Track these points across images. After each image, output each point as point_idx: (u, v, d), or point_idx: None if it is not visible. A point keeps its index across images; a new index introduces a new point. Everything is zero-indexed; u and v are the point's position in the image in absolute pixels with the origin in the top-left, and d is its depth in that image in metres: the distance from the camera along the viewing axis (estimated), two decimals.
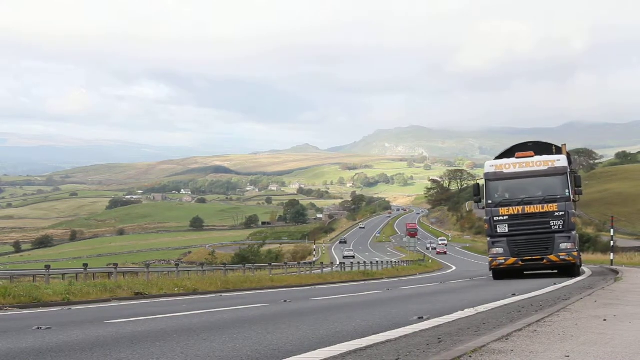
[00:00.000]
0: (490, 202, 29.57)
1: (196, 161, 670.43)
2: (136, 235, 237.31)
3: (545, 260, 29.15)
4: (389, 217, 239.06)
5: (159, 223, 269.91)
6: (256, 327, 9.69)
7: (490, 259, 29.91)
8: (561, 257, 28.87)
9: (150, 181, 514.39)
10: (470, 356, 5.81)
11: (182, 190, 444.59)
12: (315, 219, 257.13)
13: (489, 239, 30.12)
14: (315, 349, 6.78)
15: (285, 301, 17.39)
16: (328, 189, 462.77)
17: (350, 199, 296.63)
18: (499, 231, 29.39)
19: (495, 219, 29.42)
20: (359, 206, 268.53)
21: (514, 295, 16.00)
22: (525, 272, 33.65)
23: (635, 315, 9.96)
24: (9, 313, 16.50)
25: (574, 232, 29.34)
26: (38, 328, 10.38)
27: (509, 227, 29.25)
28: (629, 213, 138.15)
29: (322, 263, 78.92)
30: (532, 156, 29.99)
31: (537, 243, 29.20)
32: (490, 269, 30.21)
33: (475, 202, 30.48)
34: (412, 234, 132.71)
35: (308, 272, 59.04)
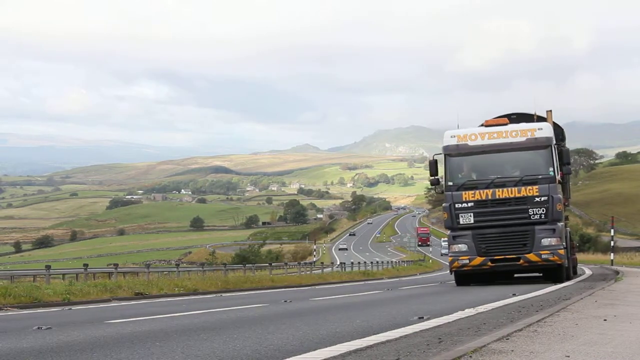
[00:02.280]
0: (450, 184, 23.08)
1: (196, 161, 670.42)
2: (136, 236, 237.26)
3: (521, 261, 22.59)
4: (396, 213, 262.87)
5: (159, 223, 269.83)
6: (256, 327, 9.69)
7: (451, 258, 23.30)
8: (543, 256, 22.34)
9: (150, 181, 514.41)
10: (470, 356, 5.80)
11: (182, 190, 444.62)
12: (315, 219, 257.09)
13: (449, 232, 23.44)
14: (315, 349, 6.78)
15: (285, 301, 17.39)
16: (328, 189, 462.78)
17: (350, 199, 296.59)
18: (461, 222, 22.85)
19: (456, 206, 22.88)
20: (359, 206, 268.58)
21: (514, 295, 16.00)
22: (514, 275, 27.62)
23: (636, 315, 9.96)
24: (9, 313, 16.50)
25: (560, 224, 22.76)
26: (38, 328, 10.38)
27: (474, 217, 22.75)
28: (629, 213, 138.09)
29: (322, 263, 78.91)
30: (506, 124, 23.42)
31: (511, 238, 22.64)
32: (451, 271, 23.71)
33: (432, 184, 23.71)
34: (424, 239, 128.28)
35: (308, 272, 59.03)
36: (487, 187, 22.79)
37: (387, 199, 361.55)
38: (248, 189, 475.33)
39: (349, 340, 7.40)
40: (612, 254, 55.74)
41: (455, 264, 23.11)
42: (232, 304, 16.96)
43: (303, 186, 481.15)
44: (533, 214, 22.41)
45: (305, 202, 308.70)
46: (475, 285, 24.33)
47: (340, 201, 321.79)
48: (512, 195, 22.61)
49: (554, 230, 22.50)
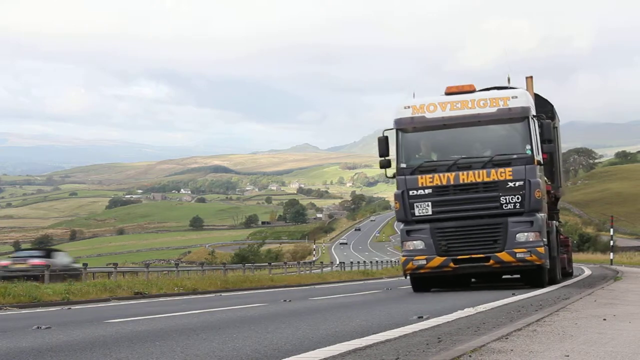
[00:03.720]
0: (403, 166, 18.88)
1: (196, 161, 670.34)
2: (136, 235, 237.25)
3: (491, 261, 18.38)
4: None
5: (158, 223, 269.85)
6: (256, 327, 9.69)
7: (404, 258, 18.96)
8: (518, 255, 18.20)
9: (149, 181, 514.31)
10: (470, 356, 5.81)
11: (182, 190, 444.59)
12: (315, 218, 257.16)
13: (402, 225, 19.19)
14: (314, 349, 6.78)
15: (284, 301, 17.39)
16: (328, 188, 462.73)
17: (350, 199, 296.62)
18: (417, 213, 18.65)
19: (411, 193, 18.69)
20: (359, 206, 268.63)
21: (513, 295, 16.01)
22: (474, 279, 23.91)
23: (635, 314, 9.96)
24: (9, 313, 16.50)
25: (540, 215, 18.61)
26: (38, 328, 10.38)
27: (433, 207, 18.58)
28: (628, 212, 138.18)
29: (321, 263, 78.93)
30: (473, 91, 19.16)
31: (478, 233, 18.54)
32: (405, 273, 19.34)
33: (382, 167, 18.98)
34: None
35: (308, 271, 59.03)
36: (448, 170, 18.56)
37: (386, 199, 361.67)
38: (247, 188, 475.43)
39: (349, 340, 7.41)
40: (611, 254, 55.77)
41: (410, 265, 18.76)
42: (231, 304, 16.96)
43: (302, 186, 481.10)
44: (506, 202, 18.31)
45: (304, 201, 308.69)
46: (438, 291, 20.67)
47: (339, 201, 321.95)
48: (479, 180, 18.40)
49: (531, 222, 18.25)
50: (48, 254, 36.01)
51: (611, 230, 57.28)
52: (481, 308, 11.51)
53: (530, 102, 19.09)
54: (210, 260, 78.96)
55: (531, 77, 22.93)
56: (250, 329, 9.45)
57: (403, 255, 19.14)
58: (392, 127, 19.11)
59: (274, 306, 15.30)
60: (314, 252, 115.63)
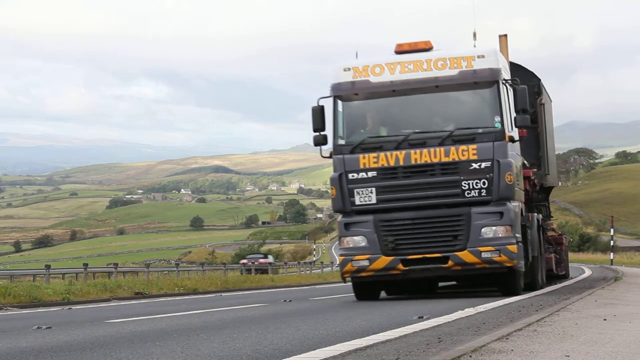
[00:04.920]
0: (341, 143, 15.48)
1: (196, 161, 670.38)
2: (136, 235, 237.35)
3: (450, 262, 14.96)
4: None
5: (159, 223, 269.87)
6: (256, 327, 9.70)
7: (342, 258, 15.52)
8: (483, 254, 14.81)
9: (150, 181, 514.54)
10: (470, 356, 5.81)
11: (182, 190, 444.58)
12: (315, 218, 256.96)
13: (339, 217, 15.67)
14: (315, 349, 6.79)
15: (285, 301, 17.39)
16: (328, 188, 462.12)
17: None
18: (358, 202, 15.20)
19: (350, 177, 15.24)
20: None
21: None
22: (442, 285, 21.12)
23: (636, 314, 9.97)
24: (9, 313, 16.52)
25: (513, 205, 15.24)
26: (38, 328, 10.39)
27: (378, 194, 15.14)
28: (629, 213, 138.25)
29: (322, 263, 78.97)
30: (429, 49, 15.68)
31: (434, 227, 15.11)
32: (344, 277, 15.86)
33: (316, 143, 15.56)
34: None
35: (308, 271, 59.04)
36: (397, 148, 15.09)
37: None
38: (248, 188, 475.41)
39: (349, 340, 7.41)
40: (611, 254, 55.78)
41: (348, 266, 15.24)
42: (231, 304, 16.98)
43: (303, 186, 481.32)
44: (468, 188, 14.88)
45: (305, 201, 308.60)
46: (387, 299, 17.41)
47: None
48: (435, 160, 15.00)
49: (500, 214, 14.87)
50: (265, 255, 67.65)
51: (611, 230, 57.33)
52: (481, 308, 11.52)
53: (501, 64, 15.56)
54: (211, 260, 79.03)
55: (505, 35, 19.60)
56: (250, 329, 9.46)
57: (340, 255, 15.56)
58: (328, 94, 15.64)
59: (274, 306, 15.32)
60: (314, 252, 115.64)
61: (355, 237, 15.32)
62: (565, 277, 25.29)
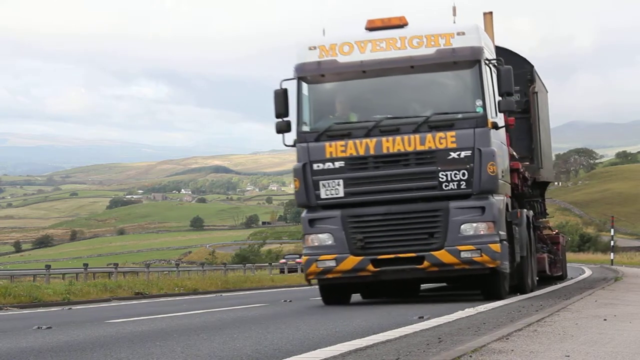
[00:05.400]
0: (305, 129, 14.10)
1: (196, 161, 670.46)
2: (136, 235, 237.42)
3: (426, 262, 13.49)
4: None
5: (159, 223, 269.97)
6: (256, 327, 9.70)
7: (306, 258, 14.05)
8: (463, 254, 13.39)
9: (150, 181, 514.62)
10: (470, 356, 5.81)
11: (182, 190, 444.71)
12: None
13: (303, 213, 14.17)
14: (315, 349, 6.79)
15: (285, 301, 17.40)
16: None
17: None
18: (324, 195, 13.76)
19: (315, 167, 13.83)
20: None
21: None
22: (424, 287, 19.82)
23: (636, 315, 9.97)
24: (9, 313, 16.53)
25: (497, 199, 13.81)
26: (38, 328, 10.39)
27: (346, 187, 13.70)
28: (629, 213, 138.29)
29: None
30: (404, 25, 14.24)
31: (408, 223, 13.66)
32: (308, 279, 14.45)
33: (279, 131, 14.18)
34: None
35: None
36: (367, 135, 13.71)
37: None
38: (248, 188, 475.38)
39: (349, 340, 7.41)
40: (612, 254, 55.78)
41: (313, 267, 13.80)
42: (232, 304, 16.98)
43: None
44: (446, 180, 13.46)
45: None
46: (360, 303, 15.68)
47: None
48: (410, 149, 13.55)
49: (482, 209, 13.47)
50: (300, 255, 64.04)
51: (612, 230, 57.37)
52: (481, 308, 11.53)
53: (483, 42, 14.05)
54: (211, 260, 79.04)
55: (490, 13, 18.12)
56: (250, 329, 9.46)
57: (304, 254, 14.07)
58: (292, 76, 14.29)
59: (274, 306, 15.32)
60: None
61: (320, 235, 13.85)
62: (562, 278, 24.16)
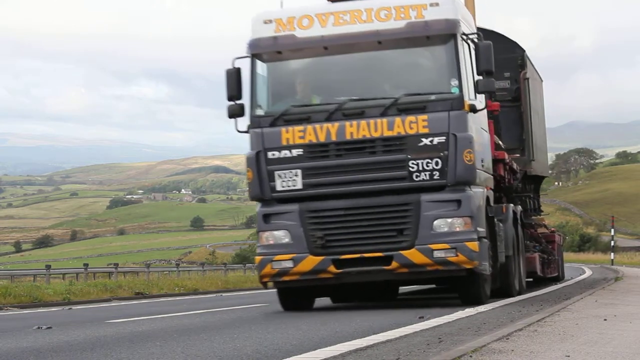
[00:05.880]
0: (259, 113, 12.65)
1: (196, 161, 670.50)
2: (136, 235, 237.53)
3: (394, 263, 12.04)
4: None
5: (159, 223, 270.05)
6: (256, 327, 9.70)
7: (259, 258, 12.56)
8: (436, 254, 11.97)
9: (150, 181, 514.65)
10: (470, 356, 5.81)
11: (183, 190, 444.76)
12: None
13: (258, 207, 12.61)
14: (315, 349, 6.79)
15: None
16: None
17: None
18: (280, 187, 12.34)
19: (270, 155, 12.42)
20: None
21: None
22: (397, 290, 17.31)
23: (636, 315, 9.97)
24: (9, 313, 16.54)
25: (475, 191, 12.36)
26: (38, 328, 10.40)
27: (305, 177, 12.31)
28: (629, 213, 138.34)
29: None
30: None
31: (374, 219, 12.25)
32: (263, 281, 12.91)
33: (231, 115, 12.62)
34: None
35: None
36: (329, 119, 12.25)
37: None
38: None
39: (350, 340, 7.42)
40: (612, 254, 55.79)
41: (268, 269, 12.35)
42: (232, 304, 16.99)
43: None
44: (417, 170, 12.01)
45: None
46: (326, 308, 14.04)
47: None
48: (376, 134, 12.13)
49: (457, 202, 12.05)
50: None
51: (612, 230, 57.41)
52: (482, 308, 11.53)
53: (460, 14, 12.61)
54: (211, 260, 79.08)
55: None
56: (251, 329, 9.46)
57: (258, 254, 12.59)
58: (245, 53, 12.71)
59: (275, 306, 15.31)
60: None
61: (276, 232, 12.36)
62: (557, 279, 22.74)
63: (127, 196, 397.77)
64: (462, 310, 10.93)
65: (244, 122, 12.62)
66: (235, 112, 12.61)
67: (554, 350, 6.21)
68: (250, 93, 12.66)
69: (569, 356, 5.91)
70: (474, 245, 11.98)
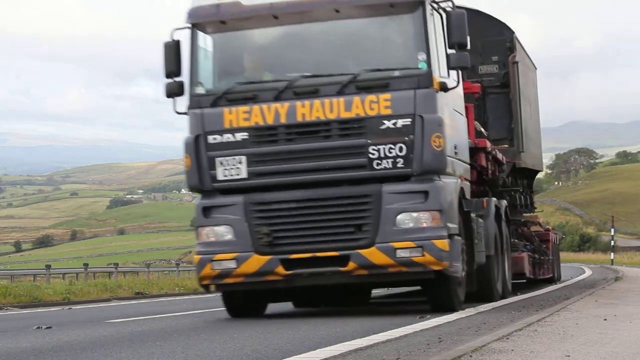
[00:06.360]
0: (199, 91, 11.18)
1: None
2: (136, 235, 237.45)
3: (351, 264, 10.48)
4: None
5: (159, 222, 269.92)
6: (256, 327, 9.70)
7: (198, 257, 11.05)
8: (399, 253, 10.41)
9: (150, 181, 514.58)
10: (470, 356, 5.81)
11: (183, 190, 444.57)
12: None
13: (197, 199, 11.40)
14: (315, 349, 6.79)
15: None
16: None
17: None
18: (222, 176, 10.87)
19: (211, 140, 10.93)
20: None
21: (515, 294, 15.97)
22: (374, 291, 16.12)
23: (636, 314, 9.97)
24: (9, 313, 16.55)
25: (446, 182, 10.87)
26: (38, 328, 10.40)
27: (250, 165, 10.81)
28: (629, 212, 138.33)
29: None
30: None
31: (328, 213, 10.71)
32: (203, 284, 11.39)
33: (169, 93, 11.20)
34: None
35: None
36: (278, 98, 10.76)
37: None
38: None
39: (350, 340, 7.41)
40: (612, 254, 55.75)
41: (207, 269, 10.88)
42: None
43: None
44: (379, 157, 10.50)
45: None
46: (282, 315, 12.24)
47: None
48: (332, 116, 10.61)
49: (424, 194, 10.51)
50: None
51: (612, 230, 57.36)
52: (482, 308, 11.53)
53: None
54: None
55: None
56: (251, 329, 9.46)
57: (197, 253, 11.05)
58: (185, 25, 11.19)
59: (275, 306, 15.31)
60: None
61: (217, 228, 10.86)
62: (552, 281, 21.31)
63: (127, 196, 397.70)
64: (462, 310, 10.92)
65: (184, 102, 11.12)
66: (174, 91, 11.14)
67: (554, 350, 6.21)
68: (189, 69, 11.15)
69: (569, 356, 5.91)
70: (443, 244, 10.40)
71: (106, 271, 41.25)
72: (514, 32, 16.78)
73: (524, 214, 19.25)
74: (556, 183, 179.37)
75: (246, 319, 11.42)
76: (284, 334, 8.56)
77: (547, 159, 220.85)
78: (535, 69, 20.34)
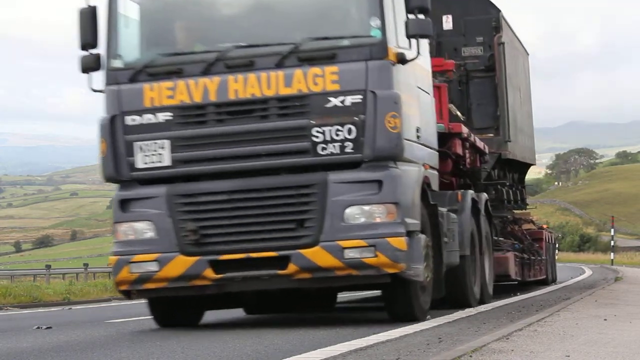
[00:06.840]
0: (117, 64, 9.43)
1: None
2: None
3: (291, 266, 8.72)
4: None
5: None
6: (256, 326, 9.70)
7: (115, 258, 9.19)
8: (348, 254, 8.64)
9: None
10: (470, 356, 5.81)
11: None
12: None
13: (117, 192, 9.45)
14: (315, 349, 6.79)
15: None
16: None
17: None
18: (141, 164, 9.13)
19: (129, 121, 9.19)
20: None
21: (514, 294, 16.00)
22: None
23: (636, 314, 9.97)
24: (9, 313, 16.56)
25: (405, 169, 9.08)
26: (38, 328, 10.41)
27: (174, 151, 9.07)
28: (629, 213, 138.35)
29: None
30: None
31: (265, 206, 8.92)
32: (120, 289, 9.45)
33: (85, 68, 9.55)
34: None
35: None
36: (207, 72, 9.16)
37: None
38: None
39: (350, 340, 7.42)
40: (612, 254, 55.75)
41: (124, 273, 9.21)
42: None
43: None
44: (324, 140, 8.90)
45: None
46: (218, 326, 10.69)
47: None
48: (269, 93, 9.02)
49: (378, 184, 8.87)
50: None
51: (612, 230, 57.34)
52: (482, 308, 11.53)
53: None
54: None
55: None
56: (251, 328, 9.46)
57: (113, 253, 9.39)
58: None
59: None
60: None
61: (136, 224, 9.25)
62: (545, 282, 20.21)
63: None
64: (462, 310, 10.93)
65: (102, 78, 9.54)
66: (90, 65, 9.56)
67: (554, 350, 6.21)
68: (106, 38, 9.56)
69: (569, 356, 5.91)
70: (399, 242, 8.76)
71: (106, 271, 41.21)
72: (500, 11, 15.35)
73: (515, 211, 18.09)
74: (556, 183, 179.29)
75: (248, 318, 11.42)
76: (284, 333, 8.56)
77: (547, 159, 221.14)
78: (527, 54, 19.08)
